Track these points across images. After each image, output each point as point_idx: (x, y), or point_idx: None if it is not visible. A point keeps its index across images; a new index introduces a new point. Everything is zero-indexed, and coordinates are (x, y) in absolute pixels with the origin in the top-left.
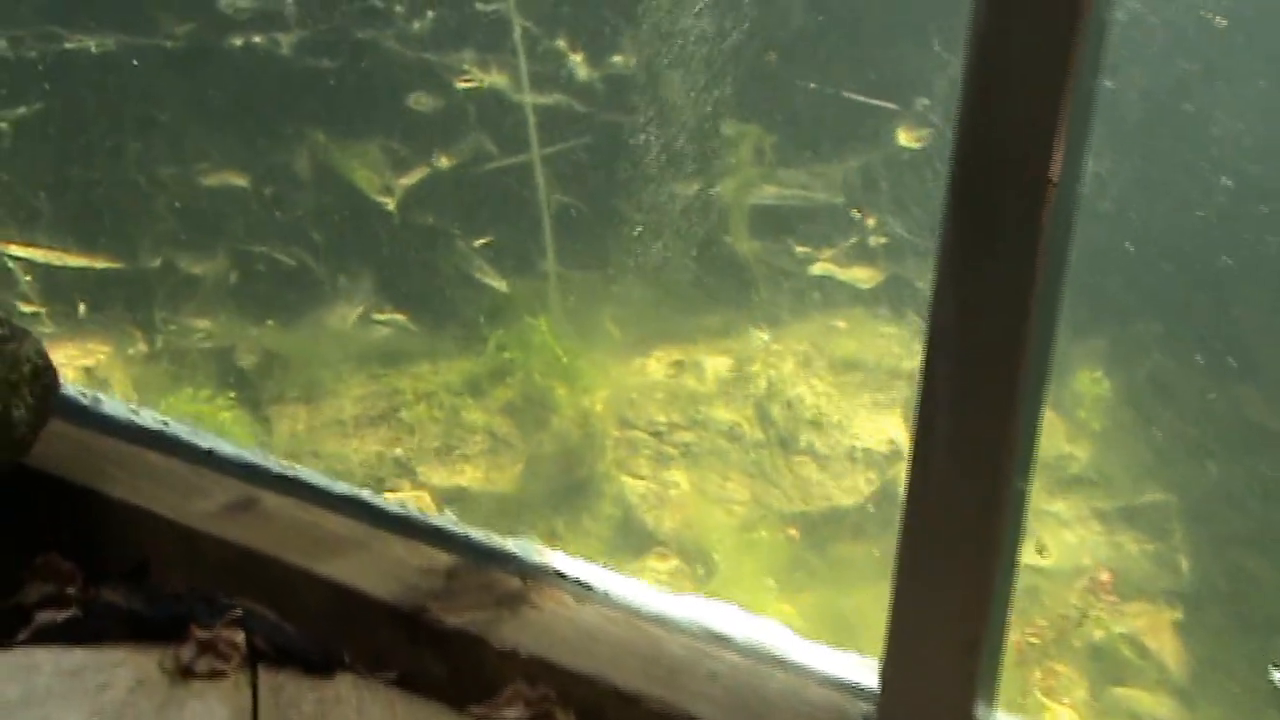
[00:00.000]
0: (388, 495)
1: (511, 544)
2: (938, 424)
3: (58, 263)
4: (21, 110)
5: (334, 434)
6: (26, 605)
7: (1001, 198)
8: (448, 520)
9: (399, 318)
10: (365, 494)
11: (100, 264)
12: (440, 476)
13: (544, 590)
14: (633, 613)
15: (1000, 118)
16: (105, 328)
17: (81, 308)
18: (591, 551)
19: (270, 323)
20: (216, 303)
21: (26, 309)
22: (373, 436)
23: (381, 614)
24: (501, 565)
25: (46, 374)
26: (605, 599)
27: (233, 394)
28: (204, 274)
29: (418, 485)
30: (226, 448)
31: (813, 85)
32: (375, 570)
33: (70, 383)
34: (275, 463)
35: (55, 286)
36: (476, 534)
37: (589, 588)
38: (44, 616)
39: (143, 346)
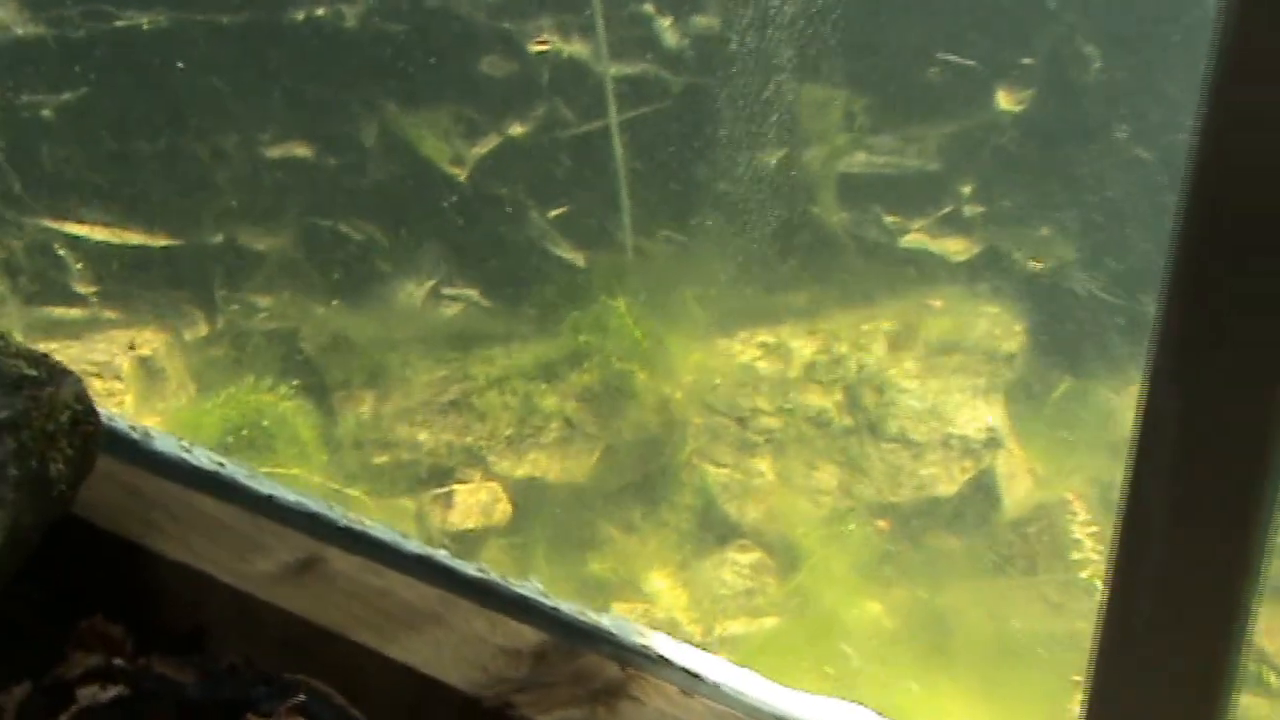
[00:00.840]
0: (458, 488)
1: (607, 621)
2: (1149, 554)
3: (115, 240)
4: (78, 90)
5: (402, 422)
6: (69, 680)
7: (1264, 251)
8: (534, 590)
9: (470, 293)
10: (441, 555)
11: (159, 241)
12: (512, 466)
13: (646, 680)
14: (748, 710)
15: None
16: (162, 312)
17: (136, 289)
18: (670, 543)
19: (335, 302)
20: (280, 280)
21: (81, 289)
22: (442, 424)
23: (460, 707)
24: (596, 646)
25: (88, 420)
26: (716, 692)
27: (295, 381)
28: (267, 250)
29: (489, 475)
30: (288, 495)
31: (905, 46)
32: (453, 652)
33: (117, 413)
34: (341, 514)
35: (110, 269)
36: (567, 608)
37: (698, 677)
38: (87, 694)
39: (203, 328)
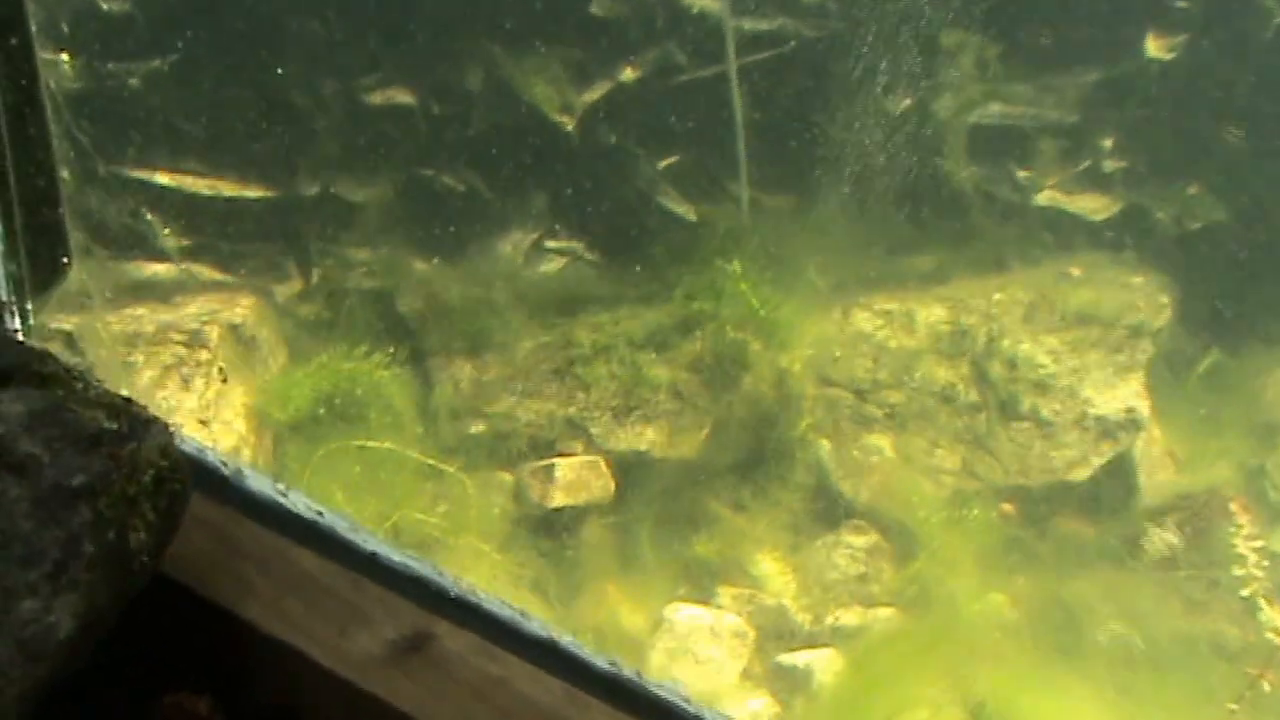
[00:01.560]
0: (559, 461)
1: None
2: None
3: (208, 193)
4: (168, 55)
5: (502, 391)
6: None
7: None
8: (671, 691)
9: (575, 246)
10: (567, 642)
11: (254, 193)
12: (618, 440)
13: None
14: None
15: None
16: (255, 268)
17: (228, 244)
18: (780, 524)
19: (436, 260)
20: (378, 234)
21: (172, 244)
22: (544, 394)
23: None
24: None
25: (175, 477)
26: None
27: (391, 348)
28: (366, 201)
29: (592, 449)
30: (393, 556)
31: None
32: None
33: (209, 446)
34: (453, 583)
35: (202, 222)
36: (711, 715)
37: None
38: None
39: (296, 284)
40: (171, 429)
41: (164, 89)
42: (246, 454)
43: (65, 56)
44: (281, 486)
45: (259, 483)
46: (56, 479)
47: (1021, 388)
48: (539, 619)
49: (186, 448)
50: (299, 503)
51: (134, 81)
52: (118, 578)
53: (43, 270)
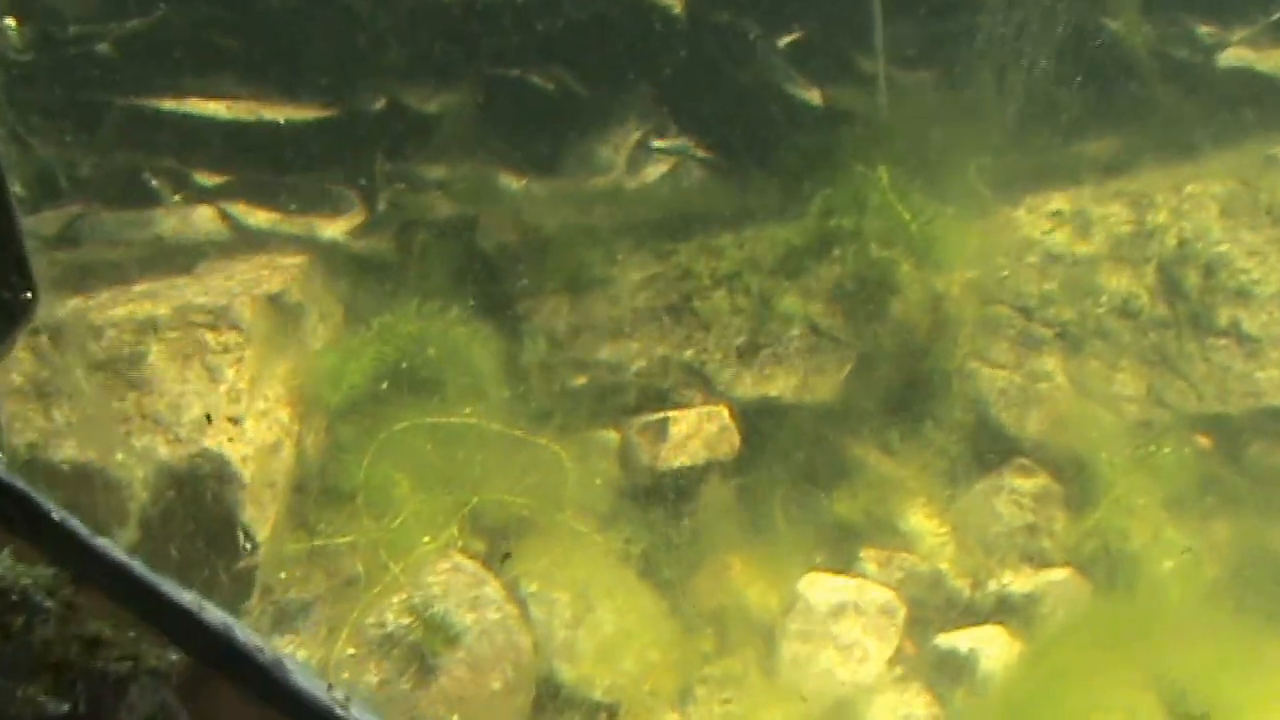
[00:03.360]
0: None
1: None
2: None
3: (249, 118)
4: None
5: (605, 335)
6: None
7: None
8: None
9: (686, 144)
10: None
11: (306, 114)
12: (744, 386)
13: None
14: None
15: None
16: (306, 205)
17: (273, 176)
18: (934, 470)
19: (524, 179)
20: (456, 148)
21: (207, 179)
22: (657, 336)
23: None
24: None
25: None
26: None
27: (471, 299)
28: (440, 111)
29: (713, 398)
30: None
31: None
32: None
33: (240, 626)
34: None
35: (244, 151)
36: None
37: None
38: None
39: (358, 216)
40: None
41: None
42: (288, 450)
43: None
44: (339, 695)
45: (305, 679)
46: None
47: (1219, 297)
48: None
49: (210, 618)
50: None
51: None
52: None
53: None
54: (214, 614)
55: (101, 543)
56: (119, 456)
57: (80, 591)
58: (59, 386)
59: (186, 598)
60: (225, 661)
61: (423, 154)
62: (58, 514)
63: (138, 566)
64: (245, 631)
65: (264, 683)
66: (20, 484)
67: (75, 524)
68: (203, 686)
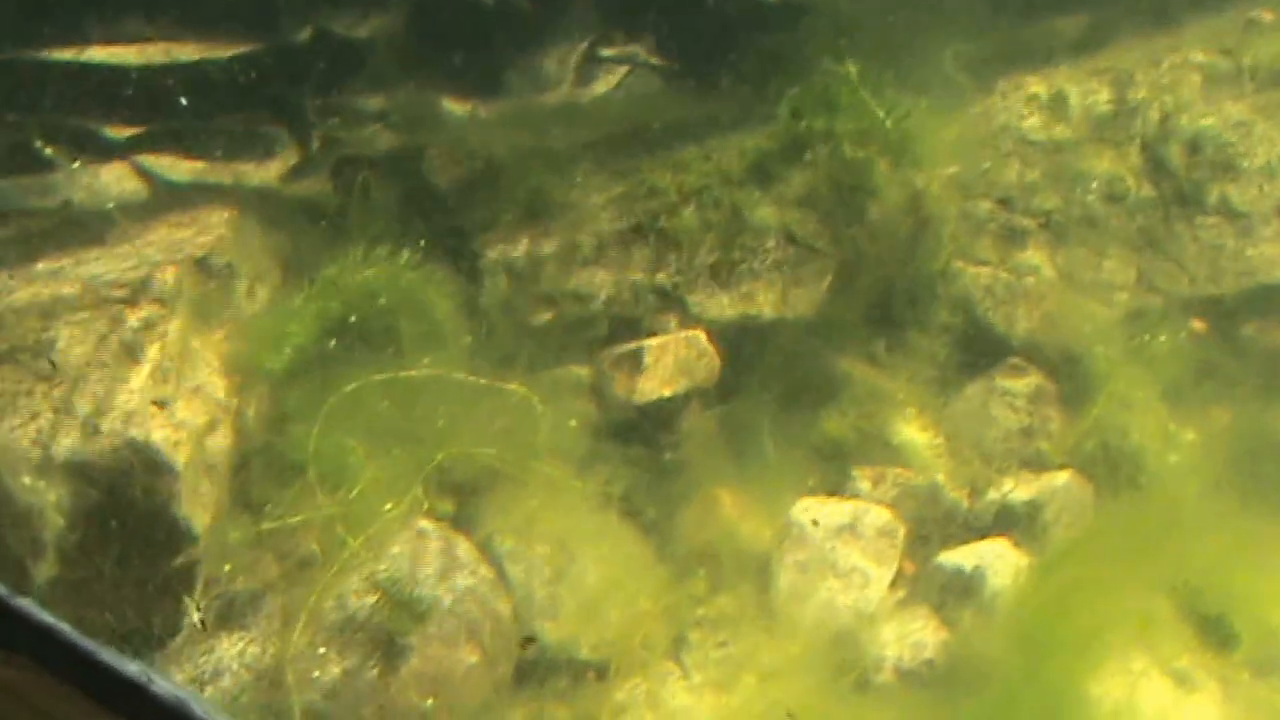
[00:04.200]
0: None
1: None
2: None
3: (160, 60)
4: None
5: (569, 264)
6: None
7: None
8: None
9: (636, 50)
10: None
11: (224, 51)
12: (720, 306)
13: None
14: None
15: None
16: (233, 150)
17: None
18: (923, 378)
19: (470, 105)
20: (391, 73)
21: (116, 132)
22: (624, 260)
23: None
24: None
25: None
26: None
27: (421, 239)
28: (370, 36)
29: (688, 321)
30: None
31: None
32: None
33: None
34: None
35: (159, 98)
36: None
37: None
38: None
39: (291, 157)
40: None
41: None
42: (226, 428)
43: None
44: None
45: None
46: None
47: (1206, 173)
48: None
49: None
50: None
51: None
52: None
53: None
54: (165, 686)
55: (22, 605)
56: (25, 480)
57: (8, 661)
58: None
59: (132, 669)
60: None
61: (355, 84)
62: None
63: (68, 632)
64: (205, 705)
65: None
66: None
67: None
68: None
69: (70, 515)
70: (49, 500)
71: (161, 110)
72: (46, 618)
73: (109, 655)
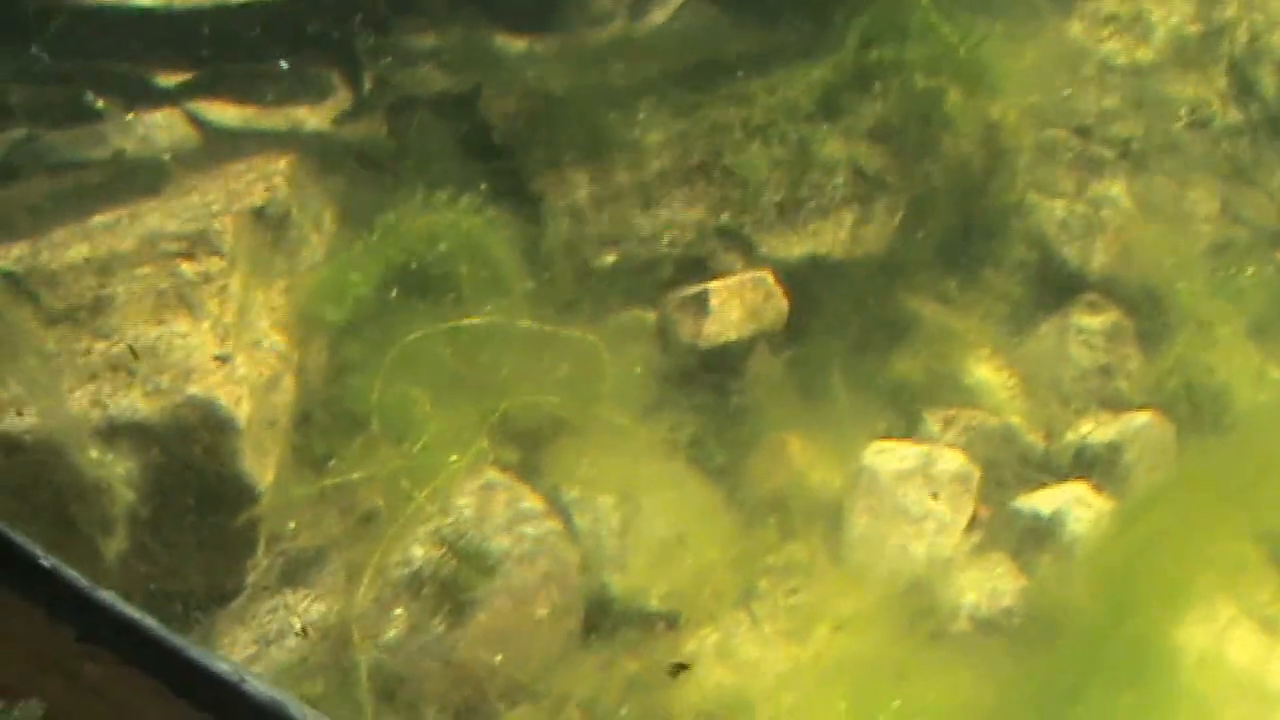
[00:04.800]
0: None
1: None
2: None
3: (208, 3)
4: None
5: (631, 204)
6: None
7: None
8: None
9: None
10: None
11: None
12: (788, 246)
13: None
14: None
15: None
16: (283, 94)
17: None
18: (996, 316)
19: (524, 40)
20: (442, 9)
21: (165, 80)
22: (689, 199)
23: None
24: None
25: None
26: None
27: (481, 182)
28: None
29: (754, 262)
30: None
31: None
32: None
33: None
34: None
35: (200, 40)
36: None
37: None
38: None
39: (344, 99)
40: None
41: None
42: (289, 383)
43: None
44: None
45: None
46: None
47: None
48: None
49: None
50: None
51: None
52: None
53: None
54: (259, 686)
55: (105, 597)
56: (93, 454)
57: (93, 656)
58: (13, 349)
59: (223, 666)
60: None
61: (407, 22)
62: (47, 561)
63: (154, 627)
64: (302, 709)
65: None
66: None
67: (71, 575)
68: None
69: (140, 488)
70: (117, 474)
71: (210, 55)
72: (130, 611)
73: (198, 652)
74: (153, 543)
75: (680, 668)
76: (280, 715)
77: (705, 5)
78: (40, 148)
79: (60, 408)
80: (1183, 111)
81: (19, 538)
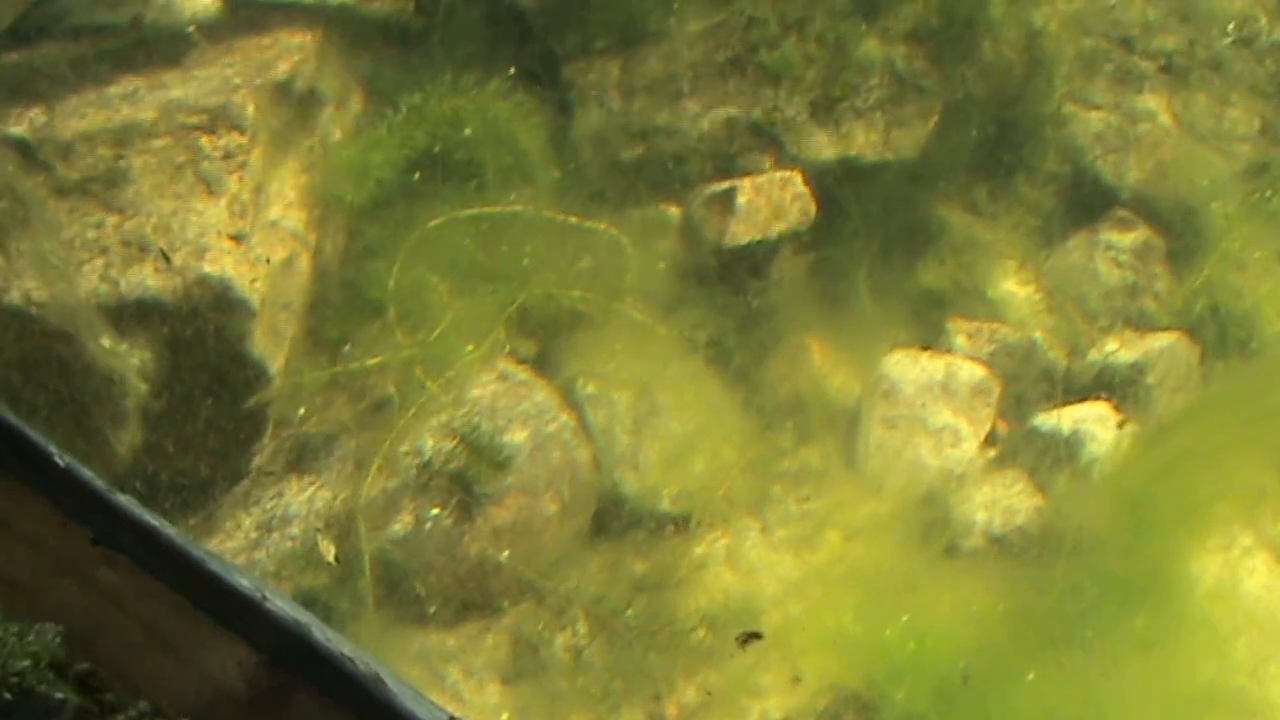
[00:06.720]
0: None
1: None
2: None
3: None
4: None
5: (662, 96)
6: None
7: None
8: None
9: None
10: None
11: None
12: (819, 146)
13: None
14: None
15: None
16: None
17: None
18: (1026, 229)
19: None
20: None
21: None
22: (720, 94)
23: None
24: None
25: None
26: None
27: (510, 66)
28: None
29: (784, 162)
30: None
31: None
32: None
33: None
34: None
35: None
36: None
37: None
38: None
39: None
40: None
41: None
42: (304, 264)
43: None
44: None
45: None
46: None
47: None
48: None
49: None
50: None
51: None
52: None
53: None
54: (281, 606)
55: (122, 501)
56: (105, 342)
57: (111, 562)
58: (23, 218)
59: (244, 582)
60: (301, 671)
61: None
62: (62, 460)
63: (173, 535)
64: (327, 632)
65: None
66: (15, 422)
67: (88, 475)
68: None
69: (152, 379)
70: (131, 364)
71: None
72: (149, 517)
73: (219, 565)
74: (163, 434)
75: (752, 636)
76: (303, 637)
77: None
78: (58, 8)
79: (70, 286)
80: (1230, 27)
81: (34, 434)
